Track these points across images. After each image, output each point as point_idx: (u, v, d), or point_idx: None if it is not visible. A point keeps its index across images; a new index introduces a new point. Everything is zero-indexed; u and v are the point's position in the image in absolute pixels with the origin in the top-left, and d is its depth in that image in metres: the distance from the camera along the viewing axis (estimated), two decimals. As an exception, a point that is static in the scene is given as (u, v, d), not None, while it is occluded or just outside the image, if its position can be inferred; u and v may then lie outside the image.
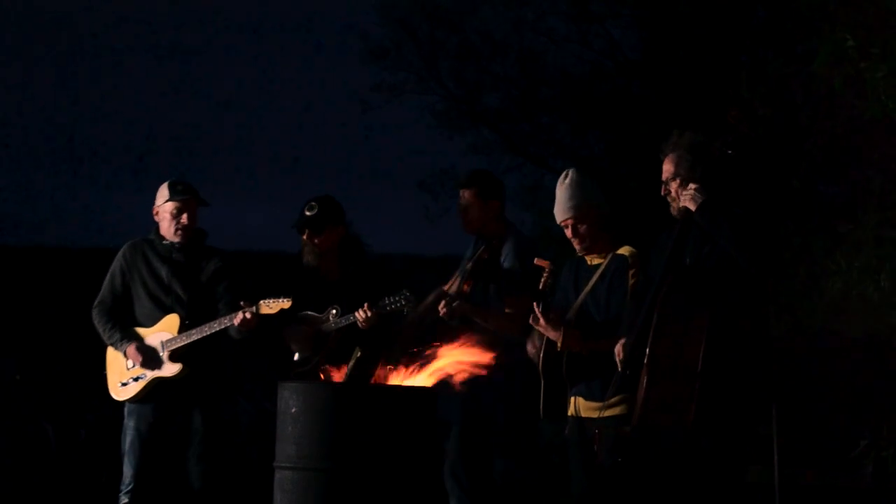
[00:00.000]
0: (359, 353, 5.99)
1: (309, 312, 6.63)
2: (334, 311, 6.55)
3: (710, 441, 5.12)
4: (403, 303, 6.40)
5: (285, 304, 6.42)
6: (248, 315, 6.42)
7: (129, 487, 6.58)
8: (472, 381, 6.54)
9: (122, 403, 6.76)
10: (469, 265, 6.58)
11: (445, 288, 6.66)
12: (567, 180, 5.93)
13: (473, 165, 19.65)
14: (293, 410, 5.58)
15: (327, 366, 6.17)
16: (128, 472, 6.61)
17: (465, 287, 6.55)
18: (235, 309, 6.49)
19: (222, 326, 6.51)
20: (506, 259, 6.54)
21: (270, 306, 6.44)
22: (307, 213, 6.66)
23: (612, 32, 18.86)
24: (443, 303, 6.43)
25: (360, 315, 6.44)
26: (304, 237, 6.71)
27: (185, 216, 6.65)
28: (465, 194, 6.67)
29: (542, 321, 5.80)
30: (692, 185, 5.26)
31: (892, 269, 8.46)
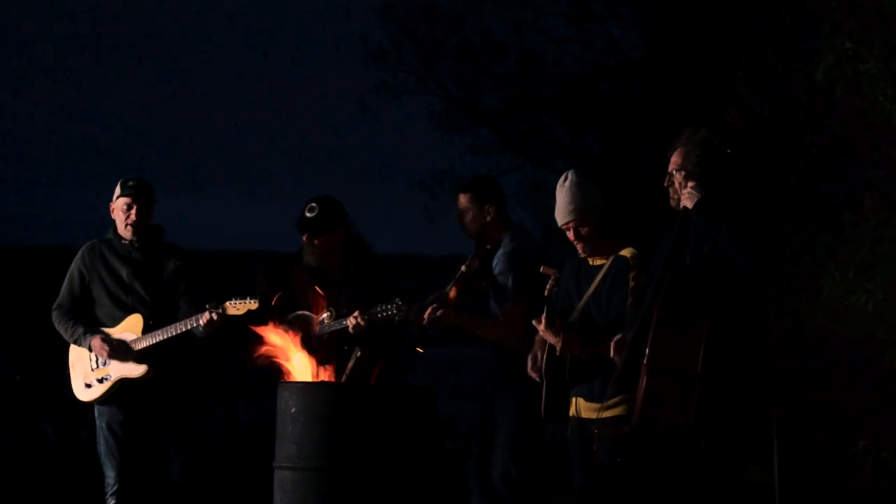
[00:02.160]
0: (358, 353, 5.98)
1: (303, 313, 6.63)
2: (327, 314, 6.54)
3: (710, 441, 5.12)
4: (395, 311, 6.38)
5: (252, 304, 6.39)
6: (214, 316, 6.39)
7: (115, 489, 6.55)
8: (489, 384, 6.58)
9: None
10: (458, 273, 6.58)
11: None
12: (567, 183, 5.91)
13: (473, 166, 19.66)
14: (293, 410, 5.58)
15: (317, 367, 6.16)
16: (110, 474, 6.57)
17: (451, 295, 6.55)
18: (197, 307, 6.47)
19: (188, 328, 6.48)
20: (496, 266, 6.54)
21: (237, 307, 6.41)
22: (307, 215, 6.63)
23: (613, 32, 18.87)
24: (428, 311, 6.44)
25: (350, 322, 6.43)
26: (305, 238, 6.70)
27: (133, 211, 6.63)
28: (462, 199, 6.68)
29: (542, 326, 5.80)
30: (690, 184, 5.26)
31: (891, 269, 8.44)
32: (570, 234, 5.93)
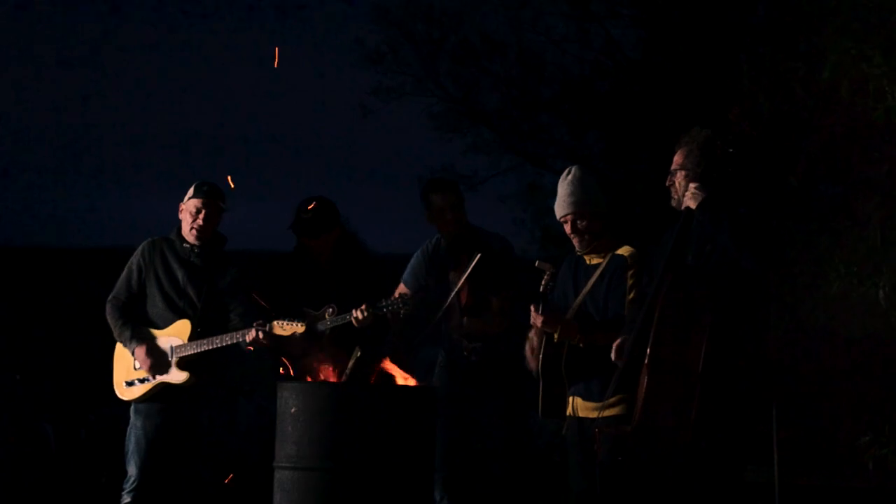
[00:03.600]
0: (359, 353, 5.98)
1: (306, 310, 6.65)
2: (330, 310, 6.56)
3: (710, 441, 5.12)
4: (400, 304, 6.41)
5: (299, 327, 6.41)
6: (260, 335, 6.41)
7: (133, 486, 6.56)
8: (454, 384, 6.62)
9: (124, 403, 6.75)
10: (463, 278, 6.62)
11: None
12: (570, 177, 5.94)
13: (473, 165, 19.67)
14: (293, 410, 5.58)
15: (320, 365, 6.17)
16: (132, 471, 6.58)
17: (470, 300, 6.64)
18: (247, 321, 6.49)
19: (234, 341, 6.50)
20: (502, 261, 6.61)
21: (284, 328, 6.43)
22: (303, 217, 6.66)
23: (612, 32, 18.86)
24: (462, 345, 6.55)
25: (356, 314, 6.44)
26: (301, 240, 6.72)
27: (202, 215, 6.63)
28: (447, 197, 6.77)
29: (540, 320, 5.81)
30: (692, 185, 5.26)
31: (892, 269, 8.45)
32: (568, 228, 5.94)
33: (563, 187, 5.92)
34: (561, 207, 5.93)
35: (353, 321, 6.45)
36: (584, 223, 5.89)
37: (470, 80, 19.86)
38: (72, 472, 11.08)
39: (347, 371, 6.03)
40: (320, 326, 6.56)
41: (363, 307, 6.42)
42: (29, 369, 12.88)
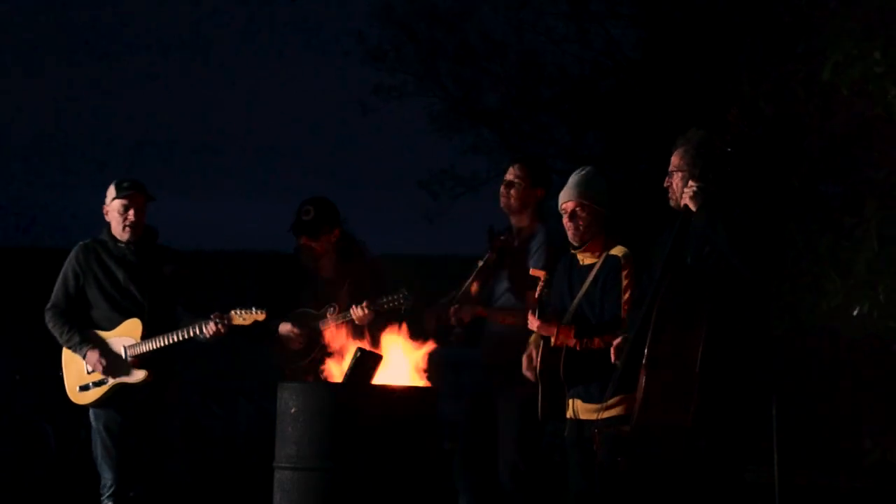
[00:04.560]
0: (359, 354, 5.98)
1: (306, 310, 6.66)
2: (332, 309, 6.57)
3: (709, 441, 5.12)
4: (401, 301, 6.43)
5: (259, 315, 6.39)
6: (220, 327, 6.38)
7: (111, 490, 6.52)
8: (482, 377, 6.62)
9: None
10: (474, 273, 6.62)
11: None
12: (583, 172, 6.01)
13: (473, 165, 19.67)
14: (293, 410, 5.58)
15: (327, 365, 6.18)
16: (107, 475, 6.53)
17: (473, 289, 6.60)
18: (194, 311, 6.46)
19: (191, 335, 6.46)
20: (534, 256, 6.59)
21: (244, 317, 6.40)
22: (304, 218, 6.66)
23: (612, 32, 18.86)
24: (452, 310, 6.49)
25: (356, 312, 6.45)
26: (302, 240, 6.72)
27: (131, 212, 6.58)
28: (516, 170, 6.66)
29: (536, 325, 5.83)
30: (692, 184, 5.26)
31: (893, 274, 8.46)
32: (566, 217, 5.95)
33: (574, 178, 5.98)
34: (566, 194, 5.95)
35: (355, 319, 6.46)
36: (583, 214, 5.90)
37: (470, 80, 19.87)
38: (72, 472, 11.07)
39: (347, 371, 6.04)
40: (322, 326, 6.57)
41: (364, 304, 6.43)
42: (29, 369, 12.86)
